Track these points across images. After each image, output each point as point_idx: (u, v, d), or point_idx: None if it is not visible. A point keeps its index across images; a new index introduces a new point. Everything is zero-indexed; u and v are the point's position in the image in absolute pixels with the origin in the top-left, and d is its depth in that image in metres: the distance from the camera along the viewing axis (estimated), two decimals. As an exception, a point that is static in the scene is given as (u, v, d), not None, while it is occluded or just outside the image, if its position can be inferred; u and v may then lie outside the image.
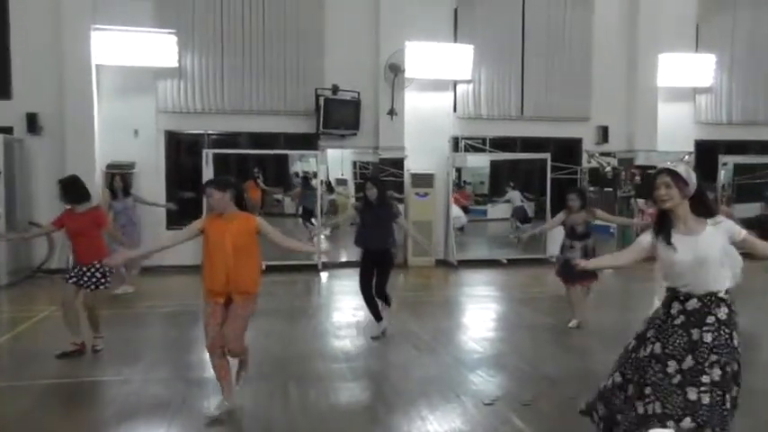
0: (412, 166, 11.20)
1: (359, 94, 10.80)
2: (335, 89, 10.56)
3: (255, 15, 10.68)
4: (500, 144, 12.11)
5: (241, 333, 4.31)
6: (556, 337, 6.46)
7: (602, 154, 12.27)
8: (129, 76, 10.28)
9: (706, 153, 12.66)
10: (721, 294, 3.06)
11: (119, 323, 6.87)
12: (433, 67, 11.06)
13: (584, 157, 12.17)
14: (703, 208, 3.16)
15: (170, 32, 10.18)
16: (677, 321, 3.09)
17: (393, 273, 6.56)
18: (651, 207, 12.69)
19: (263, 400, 4.65)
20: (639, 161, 12.25)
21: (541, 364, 5.53)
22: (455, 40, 11.39)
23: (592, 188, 12.13)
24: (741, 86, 12.80)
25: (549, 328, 6.84)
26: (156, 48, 10.11)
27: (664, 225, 3.16)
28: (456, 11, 11.49)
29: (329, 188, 12.42)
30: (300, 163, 12.80)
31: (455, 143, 11.70)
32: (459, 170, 12.85)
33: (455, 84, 11.53)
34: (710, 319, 3.03)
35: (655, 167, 11.48)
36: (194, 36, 10.46)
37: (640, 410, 3.09)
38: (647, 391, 3.08)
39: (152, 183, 10.43)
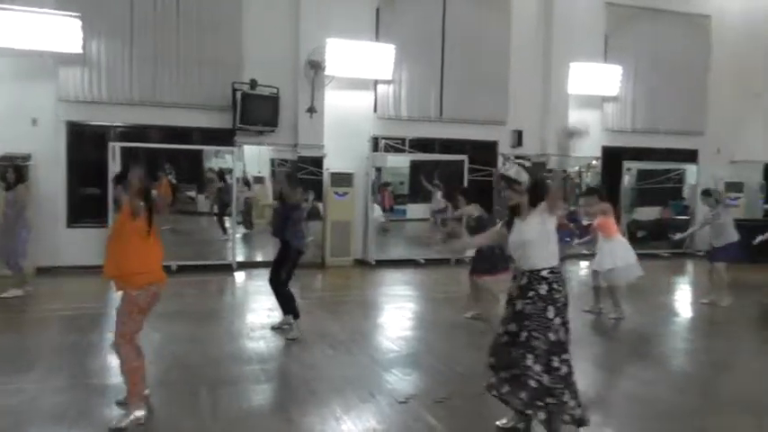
0: (331, 165, 11.16)
1: (278, 89, 10.63)
2: (254, 84, 10.35)
3: (169, 1, 10.28)
4: (419, 145, 12.29)
5: (118, 329, 4.17)
6: (470, 335, 6.61)
7: (517, 157, 12.67)
8: (27, 60, 9.61)
9: (612, 159, 13.44)
10: (544, 273, 3.66)
11: (11, 328, 6.42)
12: (353, 65, 11.06)
13: (500, 159, 12.55)
14: (533, 197, 3.75)
15: (74, 15, 9.58)
16: (515, 294, 3.77)
17: (311, 273, 6.53)
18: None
19: (172, 406, 4.47)
20: (552, 165, 12.78)
21: (455, 361, 5.64)
22: (376, 39, 11.45)
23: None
24: (644, 96, 13.65)
25: (464, 326, 6.99)
26: (58, 31, 9.48)
27: (511, 215, 3.87)
28: (378, 10, 11.56)
29: (246, 184, 12.11)
30: (216, 159, 12.45)
31: (375, 143, 11.77)
32: (379, 170, 12.94)
33: (376, 83, 11.60)
34: (531, 294, 3.66)
35: (566, 171, 12.02)
36: (101, 20, 9.91)
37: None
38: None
39: (51, 176, 9.82)
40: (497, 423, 3.99)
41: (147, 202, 4.15)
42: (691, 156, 14.17)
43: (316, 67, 10.72)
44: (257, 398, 4.76)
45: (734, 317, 7.87)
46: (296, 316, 6.44)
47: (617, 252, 7.34)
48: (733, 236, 8.22)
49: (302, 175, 11.06)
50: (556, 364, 3.62)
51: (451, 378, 5.20)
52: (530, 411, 3.62)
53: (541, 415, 3.63)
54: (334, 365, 5.50)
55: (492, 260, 6.79)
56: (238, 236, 11.28)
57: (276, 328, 6.58)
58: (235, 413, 4.38)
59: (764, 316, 8.34)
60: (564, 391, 3.63)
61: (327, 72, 10.86)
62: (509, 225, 3.88)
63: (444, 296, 8.84)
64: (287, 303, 6.51)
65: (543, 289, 3.64)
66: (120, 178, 4.29)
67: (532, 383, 3.57)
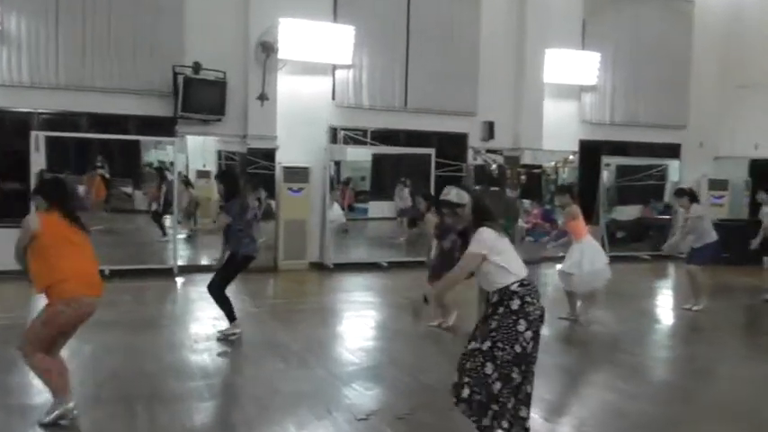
0: (285, 158, 11.10)
1: (225, 74, 10.51)
2: (197, 67, 10.21)
3: (100, -26, 10.08)
4: (382, 137, 12.33)
5: (26, 334, 4.26)
6: (438, 345, 6.68)
7: (489, 151, 12.87)
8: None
9: (590, 153, 13.71)
10: (513, 287, 3.76)
11: None
12: (309, 48, 11.00)
13: (470, 153, 12.68)
14: (478, 218, 3.90)
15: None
16: (488, 312, 3.85)
17: (262, 278, 6.52)
18: (537, 208, 13.61)
19: (105, 426, 4.39)
20: (526, 160, 13.00)
21: (422, 373, 5.68)
22: (335, 20, 11.43)
23: (477, 187, 12.67)
24: (624, 86, 13.97)
25: (430, 335, 7.04)
26: (-27, 6, 9.22)
27: (465, 239, 3.94)
28: (337, -13, 11.56)
29: (186, 183, 11.90)
30: (155, 151, 12.25)
31: (333, 134, 11.75)
32: (338, 164, 12.91)
33: (334, 68, 11.58)
34: (501, 309, 3.76)
35: (540, 167, 12.28)
36: (22, -5, 9.67)
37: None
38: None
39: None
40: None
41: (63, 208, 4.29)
42: (673, 151, 14.56)
43: (267, 49, 10.64)
44: (200, 416, 4.70)
45: (717, 321, 8.12)
46: (232, 320, 6.55)
47: (585, 256, 7.52)
48: (711, 236, 8.48)
49: (252, 169, 11.00)
50: (514, 375, 3.73)
51: (416, 391, 5.23)
52: (475, 418, 3.74)
53: (485, 421, 3.75)
54: (288, 380, 5.47)
55: (453, 264, 6.84)
56: (180, 237, 11.13)
57: (222, 339, 6.52)
58: (175, 434, 4.32)
59: (748, 320, 8.64)
60: (510, 398, 3.74)
61: (280, 55, 10.79)
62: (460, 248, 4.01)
63: (409, 302, 8.87)
64: (225, 309, 6.53)
65: (515, 304, 3.75)
66: (37, 192, 4.50)
67: (488, 390, 3.69)
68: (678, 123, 14.38)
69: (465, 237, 3.99)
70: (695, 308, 8.47)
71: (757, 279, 9.22)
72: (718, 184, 14.04)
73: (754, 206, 11.86)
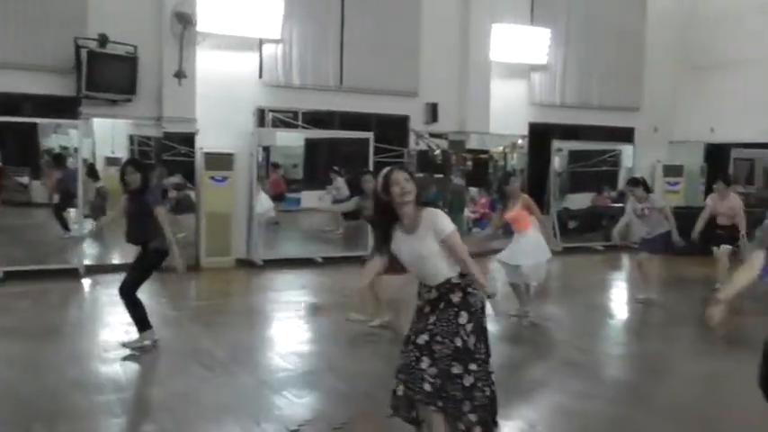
0: (206, 143, 10.93)
1: (136, 48, 10.24)
2: (103, 40, 9.91)
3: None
4: (315, 120, 12.27)
5: None
6: (377, 346, 6.72)
7: (432, 135, 12.97)
8: None
9: (540, 137, 13.98)
10: (453, 280, 3.81)
11: None
12: (232, 20, 10.82)
13: (412, 137, 12.75)
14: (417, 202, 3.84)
15: None
16: (426, 309, 3.88)
17: (182, 277, 6.39)
18: (484, 197, 13.83)
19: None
20: (472, 145, 13.16)
21: (361, 379, 5.70)
22: (261, -10, 11.30)
23: (421, 174, 12.76)
24: (575, 66, 14.28)
25: (371, 336, 7.06)
26: None
27: (388, 223, 3.86)
28: (262, -47, 11.40)
29: (91, 173, 11.50)
30: (56, 136, 11.85)
31: (261, 116, 11.63)
32: (266, 150, 12.79)
33: (261, 43, 11.44)
34: (442, 305, 3.81)
35: (487, 152, 12.50)
36: None
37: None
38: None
39: None
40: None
41: None
42: (626, 135, 15.00)
43: (184, 21, 10.41)
44: (112, 434, 4.61)
45: (670, 315, 8.47)
46: (145, 328, 6.38)
47: (527, 249, 7.70)
48: (664, 226, 8.81)
49: (169, 155, 10.78)
50: (456, 371, 3.76)
51: (354, 398, 5.26)
52: (432, 407, 3.77)
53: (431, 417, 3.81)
54: (211, 390, 5.41)
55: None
56: (86, 233, 10.81)
57: (135, 349, 6.35)
58: (82, 455, 4.22)
59: (701, 312, 8.93)
60: (463, 401, 3.78)
61: (199, 28, 10.60)
62: (385, 239, 3.92)
63: (347, 301, 8.88)
64: (138, 315, 6.38)
65: (457, 296, 3.81)
66: None
67: (426, 387, 3.71)
68: (631, 106, 14.81)
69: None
70: (641, 296, 8.83)
71: (711, 269, 9.63)
72: (672, 171, 14.55)
73: (710, 193, 12.35)
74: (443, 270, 3.81)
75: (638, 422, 4.95)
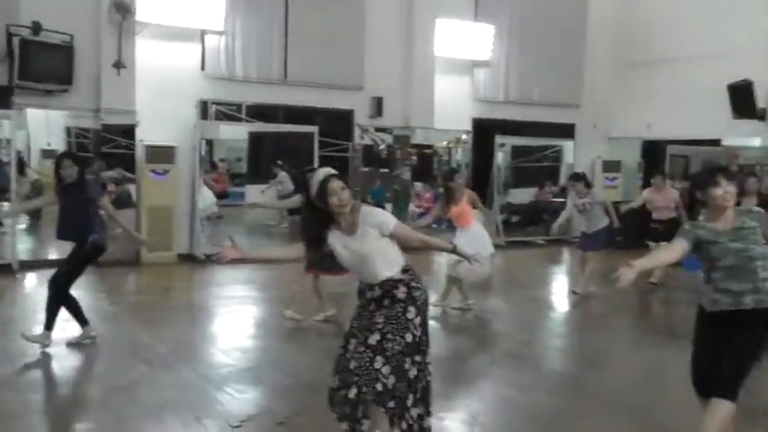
0: (146, 135, 10.69)
1: (72, 37, 9.93)
2: (37, 28, 9.60)
3: None
4: (259, 113, 12.14)
5: None
6: (321, 340, 6.69)
7: (377, 129, 12.96)
8: None
9: (483, 133, 14.13)
10: (397, 276, 3.80)
11: None
12: (173, 10, 10.58)
13: (357, 132, 12.71)
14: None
15: None
16: (371, 307, 3.84)
17: (122, 272, 6.24)
18: (429, 191, 13.89)
19: None
20: (416, 139, 13.21)
21: (304, 372, 5.66)
22: (203, -20, 11.09)
23: (366, 168, 12.75)
24: (518, 63, 14.45)
25: (313, 330, 7.04)
26: None
27: (322, 227, 3.83)
28: (204, -58, 11.19)
29: (19, 168, 11.05)
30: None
31: (204, 109, 11.43)
32: (210, 143, 12.60)
33: (203, 34, 11.23)
34: (387, 302, 3.80)
35: (432, 147, 12.53)
36: None
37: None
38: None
39: None
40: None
41: None
42: (567, 131, 15.27)
43: (123, 10, 10.16)
44: (46, 433, 4.47)
45: (608, 307, 8.65)
46: (83, 324, 6.22)
47: (470, 244, 7.77)
48: (604, 221, 9.00)
49: (108, 148, 10.52)
50: (407, 366, 3.78)
51: (298, 392, 5.22)
52: (383, 407, 3.77)
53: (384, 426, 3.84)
54: (151, 386, 5.28)
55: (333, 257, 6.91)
56: (21, 227, 10.48)
57: (74, 344, 6.18)
58: (14, 455, 4.08)
59: (637, 304, 9.20)
60: (408, 395, 3.81)
61: (139, 17, 10.35)
62: (318, 242, 3.88)
63: (291, 296, 8.82)
64: (69, 310, 6.20)
65: (402, 292, 3.81)
66: None
67: (379, 387, 3.71)
68: (572, 103, 15.06)
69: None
70: (577, 289, 9.00)
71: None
72: (611, 166, 14.87)
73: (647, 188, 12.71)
74: (385, 268, 3.80)
75: (577, 412, 5.04)
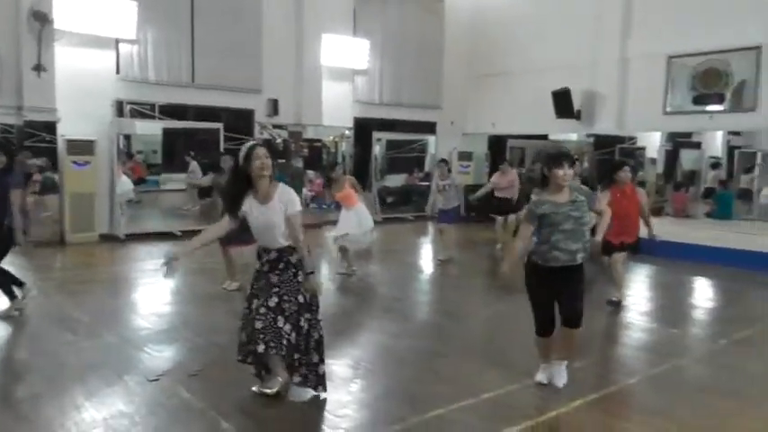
0: (69, 130, 9.97)
1: (-6, 42, 9.11)
2: (-40, 33, 8.71)
3: None
4: (171, 111, 11.61)
5: None
6: (229, 304, 6.55)
7: (275, 126, 12.74)
8: None
9: (363, 129, 14.22)
10: (292, 245, 3.80)
11: None
12: (89, 20, 9.88)
13: (257, 128, 12.45)
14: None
15: None
16: (265, 269, 3.85)
17: (48, 252, 5.81)
18: (319, 178, 13.83)
19: None
20: (308, 135, 13.12)
21: (213, 332, 5.54)
22: (116, -6, 10.40)
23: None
24: (390, 71, 14.60)
25: (222, 296, 6.89)
26: None
27: (240, 191, 3.78)
28: (117, -39, 10.49)
29: None
30: None
31: (120, 108, 10.79)
32: (128, 137, 12.00)
33: (117, 42, 10.57)
34: (282, 265, 3.81)
35: (321, 141, 12.45)
36: None
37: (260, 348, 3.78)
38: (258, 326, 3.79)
39: None
40: (254, 389, 4.02)
41: None
42: (430, 128, 15.60)
43: (41, 19, 9.40)
44: (-23, 397, 4.13)
45: (463, 269, 8.99)
46: (12, 297, 5.81)
47: (355, 220, 7.88)
48: (457, 201, 9.32)
49: (32, 142, 9.74)
50: (302, 322, 3.83)
51: (208, 349, 5.10)
52: (289, 359, 3.81)
53: (296, 378, 3.90)
54: (77, 351, 5.00)
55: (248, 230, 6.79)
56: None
57: (4, 318, 5.75)
58: (-54, 418, 3.75)
59: (486, 267, 9.64)
60: (304, 347, 3.86)
61: (57, 26, 9.60)
62: (234, 204, 3.82)
63: (203, 267, 8.56)
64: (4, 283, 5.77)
65: (294, 257, 3.81)
66: None
67: (284, 342, 3.72)
68: (434, 104, 15.39)
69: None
70: (441, 257, 9.30)
71: (492, 233, 10.38)
72: (465, 156, 15.35)
73: (493, 173, 13.21)
74: (283, 238, 3.79)
75: (439, 353, 5.21)
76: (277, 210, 3.74)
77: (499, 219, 10.28)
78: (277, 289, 3.77)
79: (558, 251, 3.91)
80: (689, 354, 5.31)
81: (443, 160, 9.70)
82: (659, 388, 3.87)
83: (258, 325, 3.73)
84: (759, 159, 13.18)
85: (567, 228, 3.89)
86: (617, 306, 6.58)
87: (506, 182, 10.20)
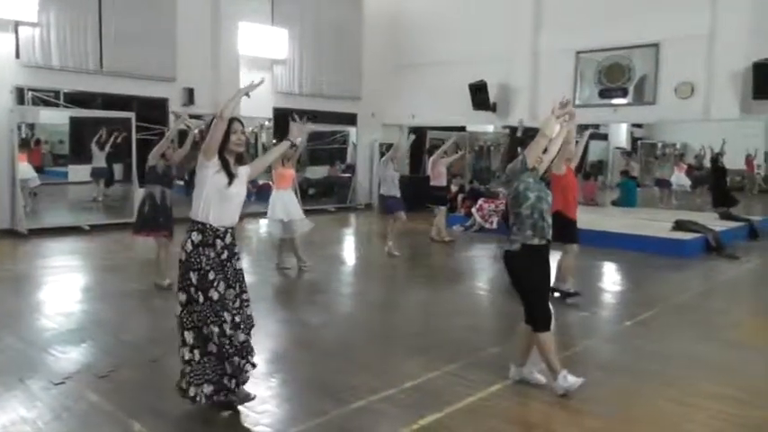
0: (-39, 119, 9.20)
1: None
2: None
3: None
4: (78, 99, 10.94)
5: None
6: (141, 302, 6.26)
7: (191, 116, 12.21)
8: None
9: (283, 120, 13.91)
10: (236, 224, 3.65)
11: None
12: (-17, 0, 9.15)
13: (171, 117, 11.94)
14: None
15: None
16: (225, 255, 3.53)
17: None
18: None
19: None
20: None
21: (124, 331, 5.26)
22: (13, -27, 9.65)
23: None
24: (310, 62, 14.39)
25: (134, 294, 6.57)
26: None
27: (227, 165, 3.56)
28: (13, -63, 9.72)
29: None
30: None
31: (21, 95, 10.05)
32: (32, 126, 11.24)
33: (17, 25, 9.82)
34: (237, 249, 3.63)
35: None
36: None
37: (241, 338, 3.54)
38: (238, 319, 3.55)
39: None
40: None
41: None
42: (351, 119, 15.54)
43: (-72, -4, 8.58)
44: None
45: (393, 260, 8.91)
46: None
47: (287, 205, 7.68)
48: (394, 191, 9.15)
49: None
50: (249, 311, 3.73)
51: (119, 349, 4.82)
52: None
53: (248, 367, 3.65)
54: (-28, 356, 4.60)
55: (166, 216, 6.53)
56: None
57: None
58: None
59: (417, 255, 9.56)
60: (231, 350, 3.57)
61: (-54, 5, 8.81)
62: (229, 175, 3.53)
63: (114, 264, 8.14)
64: None
65: (235, 240, 3.66)
66: None
67: (242, 337, 3.56)
68: (354, 95, 15.33)
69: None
70: (393, 251, 8.96)
71: (429, 224, 10.44)
72: (386, 147, 15.37)
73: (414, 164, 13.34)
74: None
75: (361, 344, 5.17)
76: (244, 183, 3.66)
77: (436, 208, 10.23)
78: (241, 276, 3.62)
79: (545, 223, 3.95)
80: (598, 335, 5.55)
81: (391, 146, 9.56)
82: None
83: (237, 318, 3.53)
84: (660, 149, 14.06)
85: (547, 205, 3.96)
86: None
87: (436, 173, 10.22)
